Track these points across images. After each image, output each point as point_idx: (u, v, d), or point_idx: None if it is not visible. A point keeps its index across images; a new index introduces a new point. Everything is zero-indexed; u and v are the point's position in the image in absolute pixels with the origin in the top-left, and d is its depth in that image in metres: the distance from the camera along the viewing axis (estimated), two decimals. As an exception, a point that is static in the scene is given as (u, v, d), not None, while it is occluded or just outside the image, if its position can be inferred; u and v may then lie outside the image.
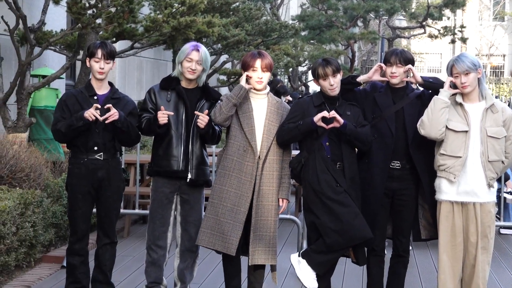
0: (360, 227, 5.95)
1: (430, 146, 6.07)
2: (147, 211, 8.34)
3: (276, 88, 12.34)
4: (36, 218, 7.62)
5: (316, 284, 6.07)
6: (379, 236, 6.20)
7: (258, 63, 6.17)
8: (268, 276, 6.65)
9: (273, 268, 6.36)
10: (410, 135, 6.11)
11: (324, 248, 6.02)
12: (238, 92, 6.12)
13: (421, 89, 6.31)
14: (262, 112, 6.23)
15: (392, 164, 6.15)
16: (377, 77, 6.26)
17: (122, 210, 8.17)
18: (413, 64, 6.19)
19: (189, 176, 6.35)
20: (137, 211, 9.26)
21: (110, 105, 6.15)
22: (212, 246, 6.20)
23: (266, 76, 6.23)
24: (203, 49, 6.38)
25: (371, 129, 6.15)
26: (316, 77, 6.17)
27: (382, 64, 6.23)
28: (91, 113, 6.09)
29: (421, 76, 6.18)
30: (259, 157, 6.16)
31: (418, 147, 6.12)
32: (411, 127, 6.09)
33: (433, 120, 5.90)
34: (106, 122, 6.13)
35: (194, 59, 6.31)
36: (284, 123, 6.17)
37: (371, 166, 6.16)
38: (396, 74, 6.15)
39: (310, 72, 15.57)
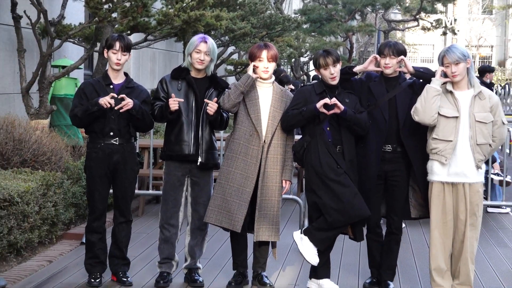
0: (359, 206, 5.98)
1: (420, 131, 6.09)
2: (160, 192, 8.37)
3: (279, 77, 12.32)
4: (57, 198, 7.66)
5: (318, 259, 6.10)
6: (374, 214, 6.22)
7: (264, 54, 6.19)
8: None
9: (273, 244, 6.40)
10: (402, 121, 6.13)
11: (326, 226, 6.04)
12: (246, 80, 6.14)
13: (413, 78, 6.32)
14: (268, 99, 6.25)
15: (384, 147, 6.17)
16: (372, 68, 6.26)
17: (136, 191, 8.20)
18: (405, 55, 6.20)
19: (199, 159, 6.36)
20: (150, 191, 9.28)
21: (123, 95, 6.17)
22: (219, 223, 6.24)
23: (272, 66, 6.24)
24: (210, 40, 6.38)
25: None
26: (318, 67, 6.18)
27: (377, 55, 6.24)
28: (106, 101, 6.10)
29: (412, 67, 6.18)
30: (264, 141, 6.19)
31: (409, 132, 6.14)
32: (403, 114, 6.11)
33: (426, 107, 5.91)
34: (120, 111, 6.16)
35: (203, 50, 6.31)
36: (288, 109, 6.19)
37: (366, 151, 6.18)
38: (390, 64, 6.16)
39: (311, 62, 15.53)
